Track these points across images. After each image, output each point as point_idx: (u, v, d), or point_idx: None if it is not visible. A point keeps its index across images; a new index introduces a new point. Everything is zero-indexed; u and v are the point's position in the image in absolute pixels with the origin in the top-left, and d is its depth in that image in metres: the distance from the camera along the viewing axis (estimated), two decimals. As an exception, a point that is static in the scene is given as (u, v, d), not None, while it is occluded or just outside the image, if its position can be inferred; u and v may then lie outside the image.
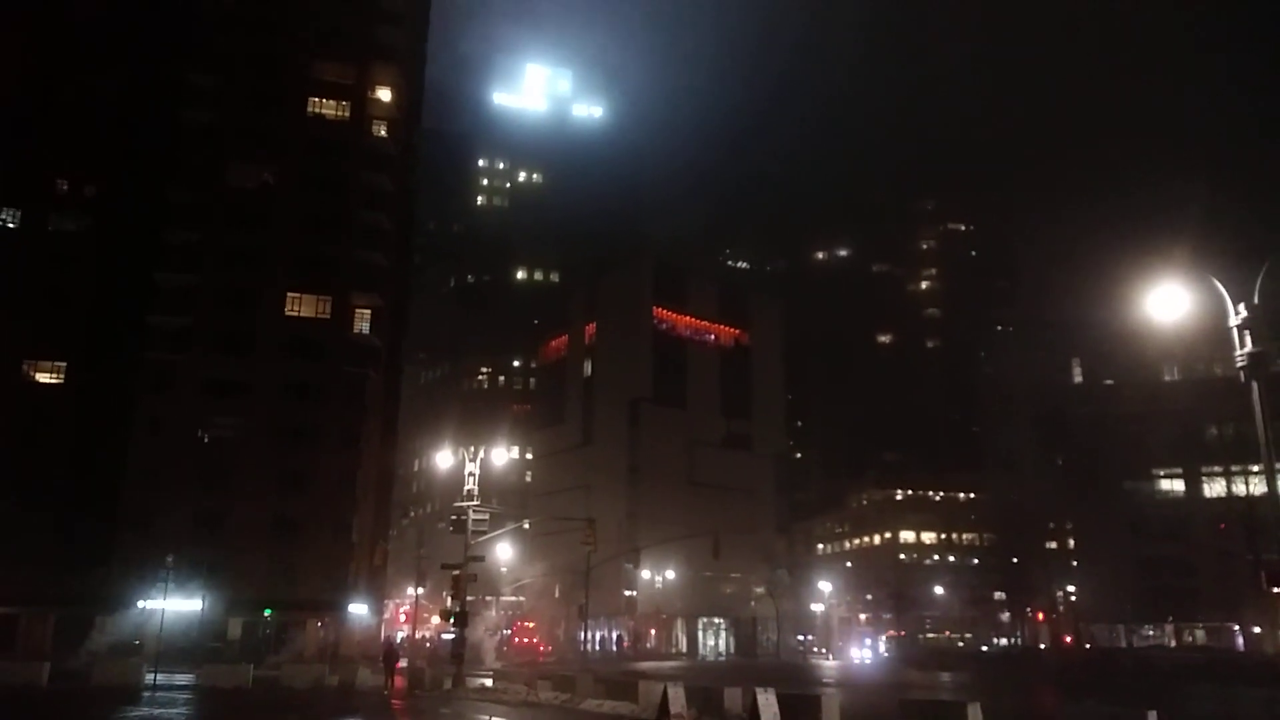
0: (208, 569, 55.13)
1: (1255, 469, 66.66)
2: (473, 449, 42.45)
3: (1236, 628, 73.15)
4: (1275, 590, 18.51)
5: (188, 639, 54.25)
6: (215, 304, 65.37)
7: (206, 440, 63.87)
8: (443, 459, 43.50)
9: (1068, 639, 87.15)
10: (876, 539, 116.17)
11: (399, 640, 48.36)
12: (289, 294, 67.34)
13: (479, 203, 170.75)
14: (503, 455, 50.42)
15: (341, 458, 64.16)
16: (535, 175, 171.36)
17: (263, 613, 60.71)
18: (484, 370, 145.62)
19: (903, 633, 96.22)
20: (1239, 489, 72.08)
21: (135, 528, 58.60)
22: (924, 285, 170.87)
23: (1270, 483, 19.03)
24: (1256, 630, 68.75)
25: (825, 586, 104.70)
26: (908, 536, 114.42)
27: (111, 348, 63.04)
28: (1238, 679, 38.51)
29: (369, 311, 69.22)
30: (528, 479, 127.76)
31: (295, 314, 67.34)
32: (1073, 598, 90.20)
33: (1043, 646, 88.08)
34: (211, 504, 60.86)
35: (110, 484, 60.06)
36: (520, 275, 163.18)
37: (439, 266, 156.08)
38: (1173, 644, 76.11)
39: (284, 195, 68.55)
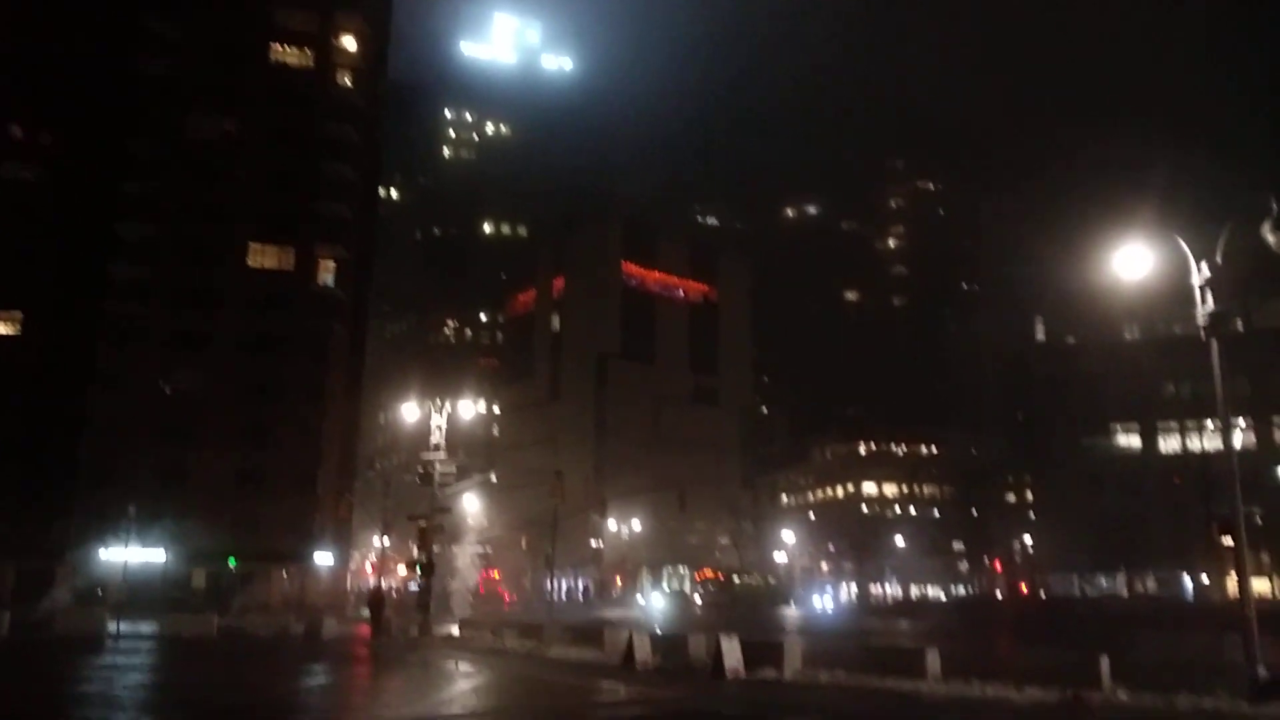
0: (171, 520, 54.85)
1: (1210, 425, 68.32)
2: (439, 402, 42.30)
3: (1186, 577, 75.29)
4: (1225, 541, 19.07)
5: (151, 589, 54.00)
6: (177, 256, 64.29)
7: (169, 393, 63.19)
8: (409, 411, 43.36)
9: (1023, 588, 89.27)
10: (839, 491, 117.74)
11: (384, 588, 47.80)
12: (252, 245, 66.54)
13: (446, 155, 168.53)
14: (469, 409, 50.40)
15: (306, 410, 63.80)
16: (503, 128, 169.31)
17: (227, 563, 60.65)
18: (450, 324, 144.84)
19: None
20: (1194, 444, 73.89)
21: (97, 480, 58.00)
22: (892, 243, 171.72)
23: (1225, 437, 19.51)
24: (1204, 579, 70.80)
25: (788, 537, 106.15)
26: (870, 489, 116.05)
27: (71, 300, 61.90)
28: (1185, 626, 39.72)
29: (333, 264, 68.58)
30: (495, 433, 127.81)
31: (258, 266, 66.59)
32: (1030, 549, 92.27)
33: (999, 595, 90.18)
34: (174, 456, 60.42)
35: (71, 436, 59.35)
36: (487, 229, 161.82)
37: (405, 219, 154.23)
38: (1125, 593, 78.23)
39: (246, 146, 67.20)
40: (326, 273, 68.43)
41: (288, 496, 61.77)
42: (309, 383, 64.50)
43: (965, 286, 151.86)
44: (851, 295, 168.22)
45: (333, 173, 68.49)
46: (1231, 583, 42.67)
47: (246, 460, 61.86)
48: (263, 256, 66.87)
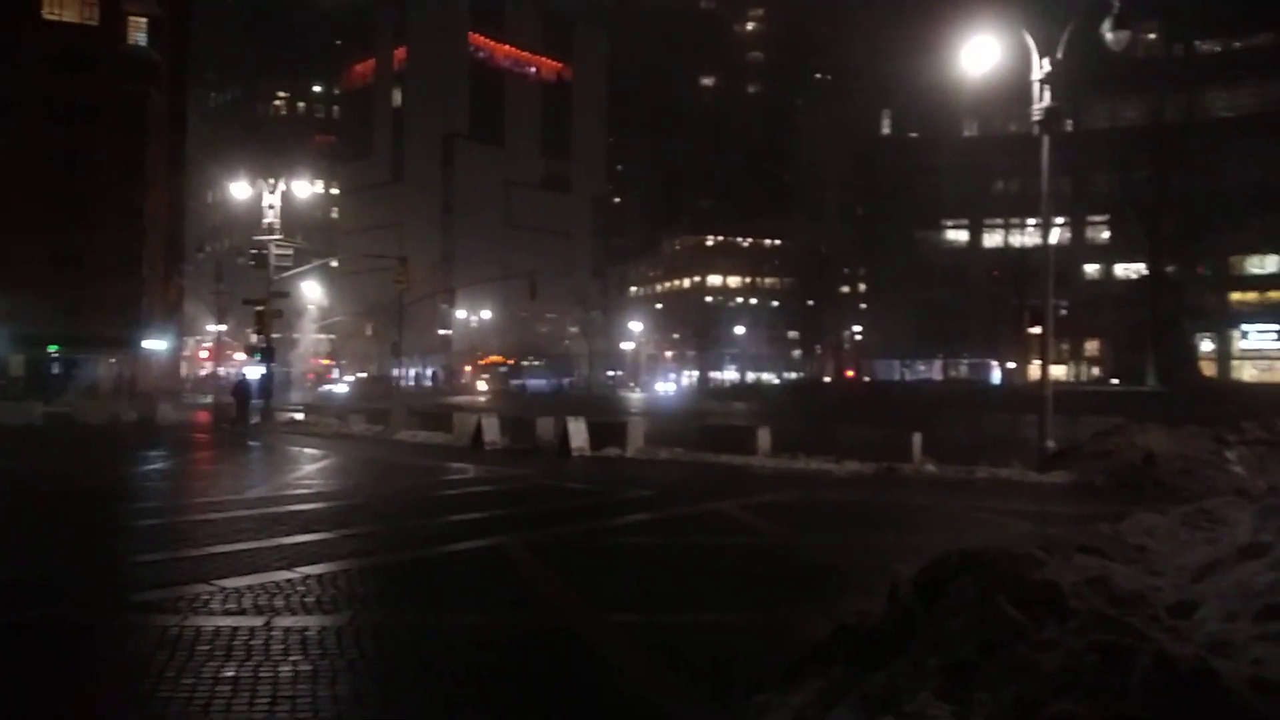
0: (-22, 304, 51.12)
1: (1032, 222, 72.65)
2: (272, 181, 39.96)
3: (995, 363, 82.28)
4: (1034, 330, 20.76)
5: (-37, 377, 50.87)
6: (-49, 0, 56.21)
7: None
8: (238, 190, 40.76)
9: (849, 373, 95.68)
10: (686, 282, 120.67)
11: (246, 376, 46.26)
12: (45, -7, 58.91)
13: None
14: (305, 188, 47.69)
15: (123, 186, 59.08)
16: None
17: (47, 350, 57.45)
18: (281, 95, 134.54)
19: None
20: (1015, 240, 78.75)
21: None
22: (750, 27, 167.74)
23: (1045, 233, 20.73)
24: (1011, 365, 77.58)
25: (635, 326, 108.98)
26: (715, 280, 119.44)
27: None
28: (989, 406, 43.71)
29: (145, 20, 61.85)
30: (334, 215, 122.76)
31: (56, 18, 59.22)
32: (859, 337, 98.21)
33: (827, 380, 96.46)
34: (-24, 235, 55.33)
35: None
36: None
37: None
38: (940, 378, 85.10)
39: None
40: (138, 30, 61.77)
41: (110, 279, 58.03)
42: (125, 155, 59.42)
43: (819, 76, 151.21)
44: (708, 81, 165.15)
45: (135, -89, 60.49)
46: (1034, 368, 46.80)
47: (61, 239, 57.25)
48: (60, 7, 59.43)
